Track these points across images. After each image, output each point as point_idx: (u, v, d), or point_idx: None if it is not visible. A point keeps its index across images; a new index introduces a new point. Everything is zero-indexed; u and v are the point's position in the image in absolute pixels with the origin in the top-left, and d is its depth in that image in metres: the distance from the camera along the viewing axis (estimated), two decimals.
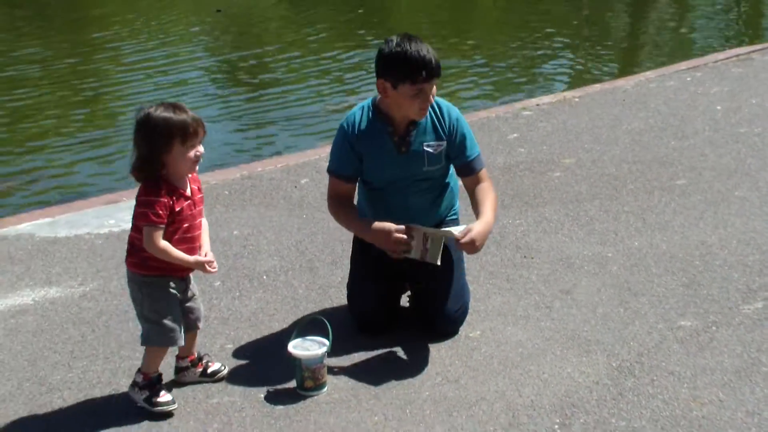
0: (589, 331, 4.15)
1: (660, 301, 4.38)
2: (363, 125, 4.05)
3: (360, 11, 14.65)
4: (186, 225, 3.61)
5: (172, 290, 3.65)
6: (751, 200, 5.48)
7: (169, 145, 3.51)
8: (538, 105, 7.88)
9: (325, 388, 3.78)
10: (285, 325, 4.32)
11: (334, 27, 13.93)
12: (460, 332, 4.18)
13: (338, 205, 4.14)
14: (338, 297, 4.56)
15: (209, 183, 6.24)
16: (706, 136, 6.71)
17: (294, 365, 3.77)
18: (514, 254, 4.97)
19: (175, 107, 3.57)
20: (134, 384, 3.69)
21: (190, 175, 3.66)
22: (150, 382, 3.67)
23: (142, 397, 3.65)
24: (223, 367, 3.92)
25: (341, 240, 5.15)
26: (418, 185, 4.12)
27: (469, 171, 4.15)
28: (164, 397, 3.66)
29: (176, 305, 3.67)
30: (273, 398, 3.73)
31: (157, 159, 3.52)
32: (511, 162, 6.39)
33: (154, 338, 3.64)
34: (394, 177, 4.10)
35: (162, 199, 3.52)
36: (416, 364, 3.96)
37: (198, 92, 10.27)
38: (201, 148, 3.61)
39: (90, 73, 11.41)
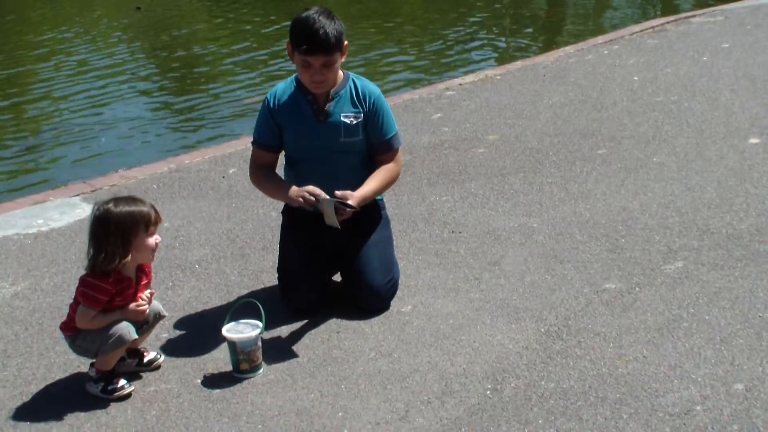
0: (518, 299, 4.25)
1: (585, 267, 4.50)
2: (285, 96, 4.22)
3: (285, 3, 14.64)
4: (125, 302, 3.69)
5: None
6: (669, 165, 5.63)
7: (135, 236, 3.61)
8: (461, 84, 7.97)
9: (261, 370, 3.84)
10: (219, 312, 4.34)
11: (258, 20, 13.88)
12: (392, 308, 4.26)
13: (260, 174, 4.29)
14: (270, 281, 4.61)
15: (137, 178, 6.24)
16: (624, 106, 6.86)
17: (229, 349, 3.82)
18: (442, 230, 5.06)
19: (132, 199, 3.70)
20: (89, 378, 3.73)
21: None
22: (103, 374, 3.71)
23: (98, 388, 3.70)
24: (159, 356, 3.95)
25: (271, 226, 5.19)
26: (338, 158, 4.21)
27: (386, 149, 4.27)
28: (119, 382, 3.70)
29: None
30: (210, 383, 3.77)
31: (125, 250, 3.60)
32: (436, 141, 6.48)
33: (105, 347, 3.67)
34: (313, 148, 4.21)
35: (107, 287, 3.60)
36: (350, 341, 4.03)
37: (122, 89, 10.20)
38: (159, 237, 3.72)
39: (12, 73, 11.26)
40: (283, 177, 4.37)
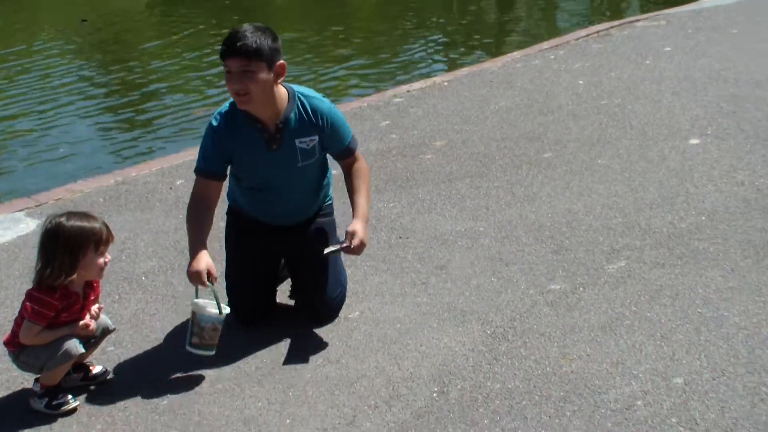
0: (464, 303, 4.29)
1: (530, 269, 4.55)
2: (232, 122, 4.00)
3: (235, 17, 14.57)
4: (72, 318, 3.67)
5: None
6: (613, 167, 5.70)
7: (84, 254, 3.58)
8: (408, 91, 8.02)
9: (212, 353, 3.86)
10: (166, 324, 4.34)
11: (205, 31, 13.85)
12: (339, 314, 4.27)
13: (195, 212, 4.07)
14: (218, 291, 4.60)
15: (83, 191, 6.20)
16: (569, 109, 6.94)
17: (190, 319, 3.86)
18: (389, 236, 5.09)
19: (85, 215, 3.67)
20: (33, 394, 3.71)
21: None
22: (48, 390, 3.69)
23: (43, 404, 3.68)
24: (105, 370, 3.93)
25: (219, 237, 5.15)
26: (294, 181, 4.11)
27: (347, 154, 4.20)
28: (64, 398, 3.69)
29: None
30: (157, 395, 3.77)
31: (72, 267, 3.57)
32: (384, 148, 6.51)
33: (51, 363, 3.64)
34: (267, 175, 4.08)
35: (54, 303, 3.58)
36: (298, 349, 4.04)
37: (68, 102, 10.11)
38: (109, 256, 3.70)
39: None
40: (228, 188, 4.33)
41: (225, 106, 4.06)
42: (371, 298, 4.42)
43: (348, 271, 4.47)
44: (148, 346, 4.16)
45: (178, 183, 6.20)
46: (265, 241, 4.21)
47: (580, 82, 7.64)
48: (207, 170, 4.06)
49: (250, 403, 3.67)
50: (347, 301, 4.35)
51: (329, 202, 4.42)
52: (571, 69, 8.13)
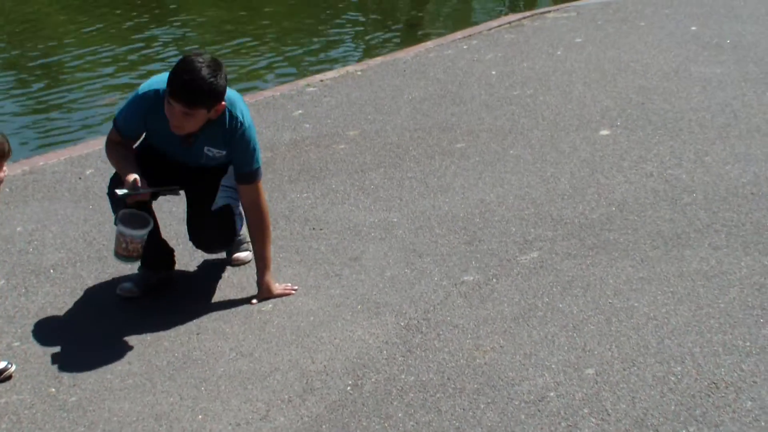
0: (378, 294, 4.28)
1: (444, 260, 4.57)
2: (159, 108, 4.08)
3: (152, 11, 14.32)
4: None
5: None
6: (525, 158, 5.75)
7: None
8: (322, 81, 7.97)
9: (135, 263, 4.29)
10: (75, 318, 4.25)
11: (116, 21, 13.57)
12: (252, 307, 4.24)
13: (115, 151, 4.24)
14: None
15: None
16: (482, 100, 6.98)
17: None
18: (302, 227, 5.05)
19: None
20: None
21: None
22: None
23: None
24: (9, 365, 3.82)
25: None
26: (199, 164, 4.32)
27: (244, 180, 4.28)
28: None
29: None
30: (65, 391, 3.69)
31: None
32: (297, 138, 6.47)
33: None
34: (175, 154, 4.27)
35: None
36: (210, 342, 3.99)
37: None
38: (6, 169, 3.63)
39: None
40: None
41: (162, 82, 4.07)
42: None
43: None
44: (56, 341, 4.07)
45: (87, 173, 6.06)
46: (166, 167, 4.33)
47: (493, 72, 7.68)
48: (124, 132, 4.25)
49: (162, 398, 3.61)
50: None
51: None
52: (484, 59, 8.18)
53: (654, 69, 7.26)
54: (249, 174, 4.25)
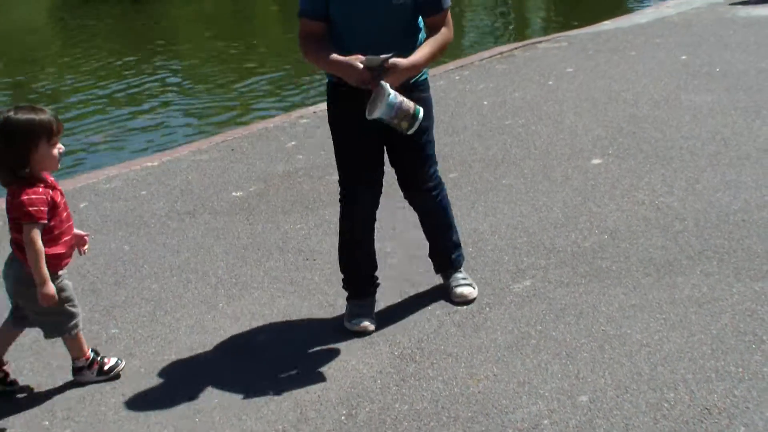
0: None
1: (437, 289, 4.58)
2: None
3: (143, 24, 14.40)
4: (65, 214, 3.78)
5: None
6: (517, 187, 5.78)
7: (36, 145, 3.59)
8: (314, 112, 8.01)
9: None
10: (67, 351, 4.24)
11: (107, 43, 13.66)
12: (246, 337, 4.25)
13: (308, 42, 4.07)
14: (122, 316, 4.54)
15: None
16: (474, 130, 7.02)
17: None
18: (296, 257, 5.07)
19: (33, 108, 3.68)
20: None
21: None
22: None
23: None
24: (120, 362, 4.02)
25: (123, 260, 5.12)
26: (385, 24, 4.00)
27: (436, 9, 4.06)
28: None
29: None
30: (59, 424, 3.70)
31: (24, 160, 3.58)
32: (291, 169, 6.49)
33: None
34: (360, 16, 3.98)
35: (42, 196, 3.63)
36: (204, 373, 3.99)
37: None
38: (62, 145, 3.73)
39: None
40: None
41: None
42: (278, 321, 4.39)
43: (255, 294, 4.46)
44: (47, 377, 4.07)
45: (81, 206, 6.05)
46: (366, 126, 4.04)
47: (485, 102, 7.73)
48: (311, 11, 4.04)
49: (156, 430, 3.60)
50: (255, 323, 4.33)
51: (425, 76, 4.31)
52: (476, 89, 8.23)
53: (645, 98, 7.32)
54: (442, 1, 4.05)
